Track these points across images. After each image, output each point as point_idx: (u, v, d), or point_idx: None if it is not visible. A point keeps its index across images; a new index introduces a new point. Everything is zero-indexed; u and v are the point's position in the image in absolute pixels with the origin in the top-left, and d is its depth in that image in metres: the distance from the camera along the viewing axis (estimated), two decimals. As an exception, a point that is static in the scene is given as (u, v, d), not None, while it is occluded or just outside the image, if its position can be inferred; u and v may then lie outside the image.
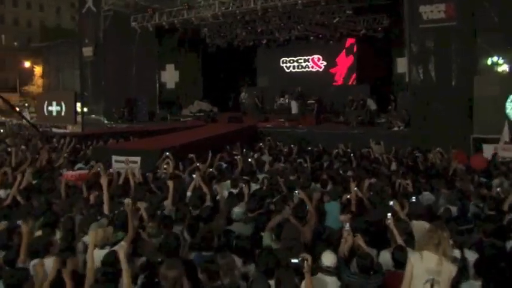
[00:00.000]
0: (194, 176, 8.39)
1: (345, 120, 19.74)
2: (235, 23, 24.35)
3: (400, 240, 5.09)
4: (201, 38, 27.56)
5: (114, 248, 4.48)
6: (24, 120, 32.23)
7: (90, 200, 6.93)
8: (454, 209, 6.84)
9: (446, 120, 15.49)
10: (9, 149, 13.91)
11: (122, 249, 4.18)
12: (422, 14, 15.76)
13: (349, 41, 25.38)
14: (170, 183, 7.27)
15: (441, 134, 15.30)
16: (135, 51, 25.10)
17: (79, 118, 26.71)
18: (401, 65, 20.79)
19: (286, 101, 24.44)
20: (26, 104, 52.25)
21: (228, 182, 9.13)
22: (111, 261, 4.24)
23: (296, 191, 6.97)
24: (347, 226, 5.17)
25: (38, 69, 53.51)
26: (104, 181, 6.88)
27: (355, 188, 7.06)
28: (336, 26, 22.99)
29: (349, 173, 10.39)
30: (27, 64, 56.29)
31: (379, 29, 22.52)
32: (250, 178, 9.95)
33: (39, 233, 5.34)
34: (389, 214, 5.37)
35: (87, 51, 25.40)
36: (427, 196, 7.87)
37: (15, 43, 63.90)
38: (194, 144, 13.90)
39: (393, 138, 16.27)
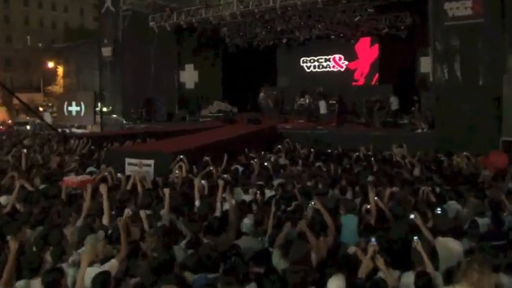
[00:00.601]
0: (203, 182, 7.97)
1: (367, 121, 19.09)
2: (255, 22, 23.96)
3: (429, 267, 4.54)
4: (221, 38, 27.21)
5: (104, 268, 4.09)
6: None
7: (84, 210, 6.49)
8: (483, 221, 6.26)
9: (473, 121, 14.83)
10: (24, 151, 13.71)
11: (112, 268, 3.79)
12: (447, 11, 15.13)
13: (371, 40, 24.72)
14: (166, 191, 6.89)
15: (467, 136, 14.66)
16: (153, 51, 24.94)
17: (98, 118, 26.63)
18: (425, 64, 20.08)
19: (307, 101, 23.96)
20: (50, 104, 52.89)
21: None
22: (102, 281, 3.84)
23: (312, 202, 6.43)
24: (373, 241, 4.65)
25: (61, 70, 54.07)
26: (103, 189, 6.52)
27: (375, 198, 6.56)
28: (357, 25, 22.40)
29: (370, 178, 9.90)
30: (50, 65, 56.85)
31: (402, 27, 21.83)
32: (265, 183, 9.58)
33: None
34: (415, 238, 4.84)
35: (106, 51, 25.31)
36: (452, 206, 7.31)
37: (40, 44, 64.59)
38: (211, 147, 13.51)
39: (416, 141, 15.64)
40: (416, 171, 10.82)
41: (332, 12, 20.90)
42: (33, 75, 64.08)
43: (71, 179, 7.45)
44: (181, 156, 10.97)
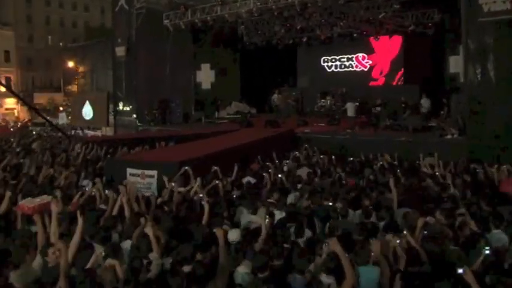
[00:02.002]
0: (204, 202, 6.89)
1: (397, 126, 17.78)
2: (273, 20, 22.89)
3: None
4: (238, 36, 26.20)
5: None
6: (59, 122, 31.96)
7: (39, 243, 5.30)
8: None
9: (510, 127, 13.48)
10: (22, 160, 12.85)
11: None
12: (482, 6, 13.78)
13: (397, 38, 23.37)
14: (149, 229, 5.32)
15: (503, 144, 13.36)
16: (168, 50, 24.03)
17: (112, 120, 25.88)
18: (455, 64, 18.74)
19: (328, 102, 22.83)
20: (69, 104, 52.58)
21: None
22: None
23: (327, 242, 5.16)
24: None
25: (80, 69, 53.84)
26: (54, 209, 5.47)
27: (408, 238, 5.41)
28: (382, 22, 21.11)
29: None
30: (70, 64, 56.65)
31: (430, 24, 20.47)
32: (277, 200, 8.51)
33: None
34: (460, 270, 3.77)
35: (120, 50, 24.61)
36: (497, 236, 6.12)
37: (61, 44, 64.50)
38: (222, 154, 12.48)
39: (445, 148, 14.37)
40: (451, 189, 9.58)
41: (355, 9, 19.68)
42: (54, 75, 64.05)
43: (27, 203, 6.03)
44: (187, 168, 10.00)
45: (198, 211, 7.38)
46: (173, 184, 8.24)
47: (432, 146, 14.59)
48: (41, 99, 59.56)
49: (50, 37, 66.23)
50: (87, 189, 8.23)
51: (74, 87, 55.76)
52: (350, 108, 18.78)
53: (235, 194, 9.51)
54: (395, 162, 12.56)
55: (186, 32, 23.57)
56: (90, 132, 25.47)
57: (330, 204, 7.91)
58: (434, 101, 18.24)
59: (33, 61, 64.45)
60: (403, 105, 18.37)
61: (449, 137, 14.99)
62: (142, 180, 10.56)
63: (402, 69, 23.92)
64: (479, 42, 14.09)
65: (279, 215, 7.56)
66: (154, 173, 10.41)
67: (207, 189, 8.97)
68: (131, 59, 23.90)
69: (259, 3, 18.78)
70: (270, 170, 10.92)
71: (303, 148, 15.36)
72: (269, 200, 8.39)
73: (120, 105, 25.13)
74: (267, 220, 6.59)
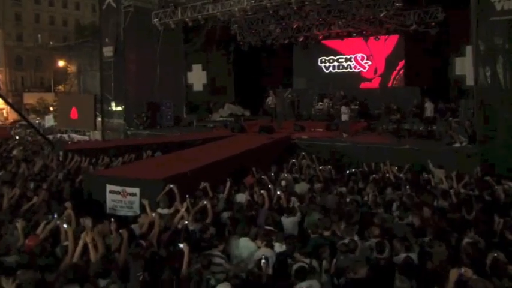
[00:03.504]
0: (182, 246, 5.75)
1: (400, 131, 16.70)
2: (268, 19, 21.83)
3: None
4: (232, 36, 25.04)
5: None
6: (46, 124, 30.74)
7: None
8: None
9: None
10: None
11: None
12: (495, 4, 12.72)
13: (398, 37, 22.27)
14: None
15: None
16: (158, 50, 22.91)
17: (99, 123, 24.70)
18: (461, 66, 17.68)
19: (326, 105, 21.74)
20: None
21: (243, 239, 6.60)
22: None
23: None
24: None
25: (71, 69, 52.55)
26: None
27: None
28: (382, 21, 20.02)
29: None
30: (61, 63, 55.27)
31: (433, 23, 19.36)
32: (274, 226, 7.47)
33: None
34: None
35: (108, 51, 23.49)
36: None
37: (51, 42, 63.06)
38: (214, 167, 11.37)
39: (453, 157, 13.35)
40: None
41: (355, 7, 18.59)
42: (45, 74, 62.73)
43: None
44: (172, 186, 8.89)
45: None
46: (153, 215, 7.05)
47: (439, 155, 13.61)
48: (30, 99, 58.34)
49: (39, 36, 64.79)
50: (55, 216, 7.06)
51: (64, 87, 54.49)
52: (344, 112, 17.63)
53: (227, 215, 8.45)
54: (401, 175, 11.45)
55: (176, 32, 22.55)
56: (76, 136, 24.26)
57: (335, 235, 6.91)
58: (440, 106, 17.18)
59: (23, 60, 63.18)
60: (413, 109, 17.27)
61: (457, 145, 13.92)
62: (123, 198, 9.46)
63: (397, 69, 22.87)
64: (491, 43, 13.02)
65: (278, 247, 6.51)
66: (137, 190, 9.30)
67: (194, 211, 7.88)
68: (119, 59, 22.79)
69: (253, 1, 17.70)
70: (268, 186, 9.85)
71: (300, 157, 14.27)
72: (267, 227, 7.33)
73: (110, 107, 23.93)
74: (263, 261, 5.54)
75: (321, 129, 18.67)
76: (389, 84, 23.36)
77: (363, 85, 23.88)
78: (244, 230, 6.96)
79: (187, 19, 19.99)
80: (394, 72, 23.13)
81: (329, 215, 7.86)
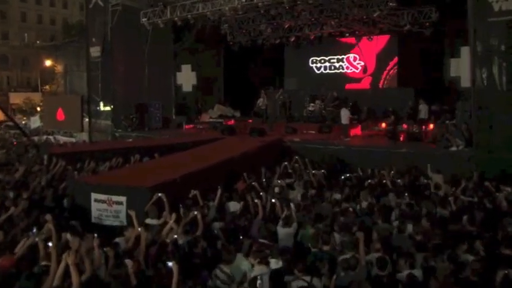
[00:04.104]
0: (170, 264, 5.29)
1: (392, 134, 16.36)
2: (259, 18, 21.33)
3: None
4: (221, 36, 24.53)
5: None
6: (32, 125, 30.07)
7: None
8: None
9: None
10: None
11: None
12: (492, 5, 12.45)
13: (391, 38, 21.90)
14: None
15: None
16: (147, 50, 22.43)
17: (87, 125, 24.11)
18: (456, 67, 17.38)
19: (318, 107, 21.36)
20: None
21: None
22: None
23: None
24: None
25: (58, 69, 51.70)
26: None
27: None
28: (375, 21, 19.65)
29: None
30: (48, 63, 54.38)
31: (427, 24, 19.00)
32: (269, 239, 7.06)
33: None
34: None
35: (95, 51, 22.95)
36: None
37: (38, 41, 62.08)
38: (204, 173, 10.94)
39: (450, 161, 13.03)
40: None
41: (348, 6, 18.18)
42: (32, 74, 61.75)
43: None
44: (160, 195, 8.45)
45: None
46: (140, 229, 6.57)
47: (435, 158, 13.30)
48: (17, 99, 57.32)
49: (26, 34, 63.82)
50: (34, 230, 6.57)
51: (52, 87, 53.59)
52: (344, 114, 17.29)
53: (219, 226, 8.03)
54: (398, 181, 11.08)
55: (165, 31, 21.97)
56: (62, 138, 23.66)
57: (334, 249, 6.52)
58: (434, 107, 16.88)
59: (9, 59, 62.19)
60: (408, 111, 16.96)
61: (454, 149, 13.59)
62: (109, 207, 9.00)
63: (388, 69, 22.52)
64: (489, 45, 12.74)
65: (274, 264, 6.09)
66: (123, 199, 8.85)
67: (184, 223, 7.45)
68: (107, 59, 22.25)
69: (244, 1, 17.21)
70: (261, 194, 9.44)
71: (293, 161, 13.85)
72: (261, 241, 6.92)
73: (98, 107, 23.35)
74: (259, 282, 5.12)
75: (313, 132, 18.28)
76: (381, 85, 22.99)
77: (355, 86, 23.47)
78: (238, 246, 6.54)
79: (176, 18, 19.48)
80: (385, 73, 22.75)
81: (326, 227, 7.47)
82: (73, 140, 23.33)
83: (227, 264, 5.96)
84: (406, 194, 9.51)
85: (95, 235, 6.03)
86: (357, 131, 18.05)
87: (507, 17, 12.34)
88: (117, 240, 6.75)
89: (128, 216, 8.17)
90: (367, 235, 7.09)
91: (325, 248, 6.60)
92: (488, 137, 12.95)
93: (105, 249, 5.75)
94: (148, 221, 8.00)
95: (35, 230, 6.47)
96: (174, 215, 7.30)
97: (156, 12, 20.10)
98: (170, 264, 5.19)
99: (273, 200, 8.79)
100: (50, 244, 5.65)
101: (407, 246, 6.50)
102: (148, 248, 6.50)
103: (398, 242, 6.83)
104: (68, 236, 6.19)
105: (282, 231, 7.76)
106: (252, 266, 6.00)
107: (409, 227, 7.48)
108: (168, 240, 6.68)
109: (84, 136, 24.11)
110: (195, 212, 7.68)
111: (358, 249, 6.18)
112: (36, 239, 5.96)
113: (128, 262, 5.24)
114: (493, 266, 5.81)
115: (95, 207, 9.11)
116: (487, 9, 12.57)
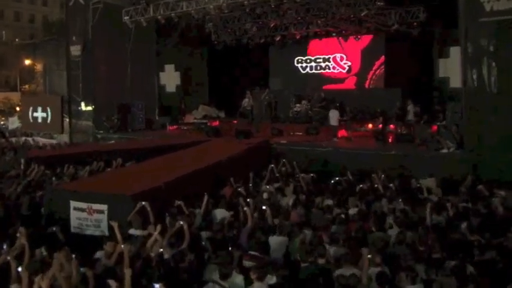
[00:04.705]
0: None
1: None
2: (244, 17, 20.94)
3: None
4: (206, 35, 24.05)
5: None
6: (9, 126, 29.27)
7: None
8: None
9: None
10: None
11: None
12: (484, 4, 12.20)
13: (378, 37, 21.62)
14: None
15: (508, 159, 11.79)
16: (129, 49, 21.85)
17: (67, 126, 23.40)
18: (444, 67, 17.18)
19: (304, 107, 21.05)
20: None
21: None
22: None
23: None
24: None
25: (38, 68, 50.59)
26: None
27: None
28: (362, 20, 19.38)
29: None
30: (27, 62, 53.22)
31: (415, 23, 18.77)
32: (261, 251, 6.66)
33: None
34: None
35: (75, 49, 22.26)
36: None
37: (17, 39, 60.77)
38: (190, 178, 10.51)
39: (441, 163, 12.76)
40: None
41: (335, 5, 17.86)
42: (11, 73, 60.41)
43: None
44: (144, 204, 8.00)
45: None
46: (122, 246, 6.10)
47: (425, 161, 13.05)
48: (-5, 98, 56.00)
49: (4, 32, 62.41)
50: (4, 247, 6.05)
51: (31, 87, 52.44)
52: (333, 115, 17.00)
53: (206, 235, 7.61)
54: (391, 185, 10.74)
55: (148, 30, 21.40)
56: (42, 140, 22.94)
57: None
58: (424, 109, 16.68)
59: (-14, 58, 60.76)
60: (397, 112, 16.70)
61: (445, 151, 13.34)
62: (89, 216, 8.52)
63: (374, 69, 22.28)
64: (480, 45, 12.50)
65: (269, 279, 5.69)
66: (104, 207, 8.38)
67: (169, 234, 7.02)
68: (88, 58, 21.61)
69: (229, -1, 16.80)
70: (248, 200, 9.04)
71: (280, 164, 13.48)
72: (252, 253, 6.52)
73: (79, 106, 22.68)
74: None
75: (300, 133, 17.93)
76: (367, 85, 22.73)
77: (341, 86, 23.18)
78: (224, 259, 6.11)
79: (159, 17, 18.96)
80: (371, 72, 22.49)
81: (319, 237, 7.09)
82: (53, 141, 22.61)
83: (224, 279, 5.54)
84: (400, 200, 9.18)
85: (74, 256, 5.53)
86: (342, 132, 17.70)
87: (498, 17, 12.10)
88: (97, 255, 6.28)
89: (110, 225, 7.73)
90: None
91: (320, 261, 6.20)
92: (479, 138, 12.75)
93: (82, 269, 5.26)
94: (131, 231, 7.56)
95: (5, 247, 5.95)
96: (159, 226, 6.86)
97: (138, 10, 19.56)
98: (157, 286, 4.75)
99: (264, 207, 8.38)
100: (20, 269, 5.11)
101: (407, 257, 6.13)
102: (131, 261, 6.07)
103: (396, 253, 6.47)
104: (43, 251, 5.70)
105: (274, 240, 7.37)
106: (247, 280, 5.60)
107: (407, 236, 7.17)
108: (152, 254, 6.24)
109: (64, 138, 23.43)
110: (181, 222, 7.24)
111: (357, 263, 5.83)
112: (8, 258, 5.45)
113: (111, 283, 4.79)
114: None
115: (74, 216, 8.63)
116: (478, 9, 12.32)
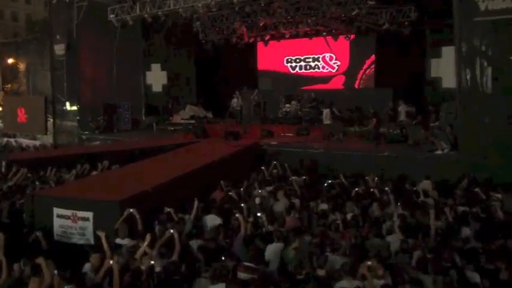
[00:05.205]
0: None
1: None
2: (233, 16, 20.58)
3: None
4: (194, 33, 23.63)
5: None
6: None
7: None
8: None
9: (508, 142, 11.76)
10: None
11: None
12: (478, 4, 11.99)
13: (369, 37, 21.27)
14: None
15: (503, 161, 11.60)
16: (115, 48, 21.35)
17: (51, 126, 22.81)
18: (436, 67, 16.97)
19: (294, 107, 20.74)
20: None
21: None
22: None
23: None
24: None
25: (21, 67, 49.58)
26: None
27: None
28: (352, 20, 19.12)
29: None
30: (10, 61, 52.13)
31: (406, 23, 18.55)
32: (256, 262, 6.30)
33: None
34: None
35: (59, 48, 21.70)
36: None
37: (-1, 38, 59.64)
38: (179, 182, 10.11)
39: (435, 165, 12.53)
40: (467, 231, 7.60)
41: (325, 4, 17.56)
42: (-7, 72, 59.17)
43: None
44: (131, 211, 7.60)
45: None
46: (111, 262, 5.68)
47: (420, 163, 12.80)
48: (-25, 99, 54.89)
49: (-15, 30, 61.23)
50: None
51: (14, 86, 51.41)
52: (326, 115, 16.78)
53: (196, 244, 7.24)
54: (386, 189, 10.43)
55: (134, 29, 20.99)
56: (25, 141, 22.37)
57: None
58: (409, 108, 16.45)
59: (-34, 56, 59.44)
60: (389, 112, 16.45)
61: (439, 152, 13.10)
62: (73, 223, 8.09)
63: (364, 68, 22.03)
64: (474, 45, 12.28)
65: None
66: (90, 215, 7.95)
67: (159, 244, 6.63)
68: (72, 58, 21.07)
69: (218, -3, 16.42)
70: (242, 205, 8.68)
71: (271, 166, 13.15)
72: (247, 264, 6.15)
73: (64, 106, 22.12)
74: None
75: (290, 134, 17.59)
76: (356, 85, 22.48)
77: (331, 86, 22.91)
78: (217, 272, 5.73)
79: (146, 15, 18.50)
80: (361, 72, 22.24)
81: (317, 246, 6.76)
82: (36, 142, 22.04)
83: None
84: (399, 204, 8.88)
85: (56, 272, 5.12)
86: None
87: (493, 16, 11.90)
88: (85, 268, 5.88)
89: (96, 235, 7.33)
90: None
91: (320, 273, 5.86)
92: (474, 140, 12.54)
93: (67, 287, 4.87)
94: (118, 241, 7.16)
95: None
96: (148, 236, 6.46)
97: (124, 9, 19.06)
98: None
99: (259, 214, 8.01)
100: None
101: (410, 272, 5.81)
102: (120, 274, 5.69)
103: (401, 264, 6.15)
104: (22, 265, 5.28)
105: (270, 248, 7.03)
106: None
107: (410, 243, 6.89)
108: (143, 267, 5.85)
109: (48, 139, 22.86)
110: (171, 231, 6.86)
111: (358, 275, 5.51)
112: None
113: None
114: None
115: (57, 223, 8.18)
116: (473, 8, 12.11)
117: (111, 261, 5.63)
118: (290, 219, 8.30)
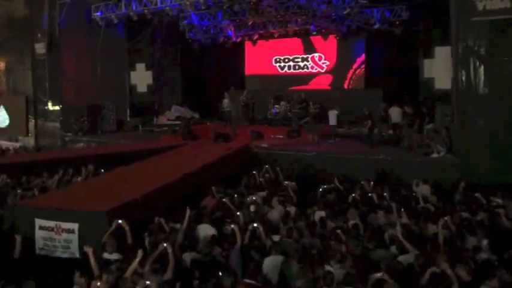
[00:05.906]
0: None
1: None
2: (221, 15, 20.08)
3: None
4: (180, 33, 23.11)
5: None
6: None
7: None
8: None
9: (507, 144, 11.52)
10: None
11: None
12: (476, 4, 11.74)
13: (359, 37, 20.97)
14: None
15: (501, 164, 11.39)
16: (99, 48, 20.70)
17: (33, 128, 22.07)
18: (429, 68, 16.72)
19: (283, 108, 20.37)
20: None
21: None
22: None
23: None
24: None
25: (0, 66, 48.46)
26: None
27: None
28: (343, 19, 18.78)
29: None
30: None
31: (397, 22, 18.27)
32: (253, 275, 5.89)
33: None
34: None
35: (40, 47, 20.97)
36: None
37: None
38: (169, 189, 9.64)
39: (431, 169, 12.23)
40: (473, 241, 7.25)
41: (316, 3, 17.16)
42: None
43: None
44: (120, 222, 7.12)
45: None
46: (98, 284, 5.19)
47: (415, 166, 12.50)
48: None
49: (-37, 29, 59.83)
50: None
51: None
52: (332, 116, 16.54)
53: (189, 258, 6.79)
54: (385, 194, 10.05)
55: (119, 27, 20.39)
56: (5, 143, 21.60)
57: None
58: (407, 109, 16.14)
59: None
60: (382, 114, 16.12)
61: (435, 155, 12.79)
62: (57, 236, 7.57)
63: (354, 67, 21.71)
64: (472, 45, 12.01)
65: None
66: (75, 226, 7.44)
67: (151, 260, 6.16)
68: (54, 57, 20.35)
69: (206, -5, 15.93)
70: (238, 213, 8.24)
71: (263, 170, 12.71)
72: (248, 281, 5.72)
73: (46, 106, 21.38)
74: None
75: (281, 136, 17.16)
76: (346, 85, 22.14)
77: (320, 86, 22.54)
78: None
79: (131, 13, 18.01)
80: (351, 71, 21.91)
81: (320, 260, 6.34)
82: (17, 144, 21.29)
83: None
84: (403, 211, 8.49)
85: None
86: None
87: (491, 16, 11.65)
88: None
89: (81, 249, 6.84)
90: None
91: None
92: (470, 142, 12.29)
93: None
94: (106, 255, 6.67)
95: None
96: (140, 253, 5.97)
97: (109, 7, 18.52)
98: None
99: (255, 225, 7.56)
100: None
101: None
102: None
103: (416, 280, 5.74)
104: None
105: (268, 261, 6.60)
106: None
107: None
108: (136, 288, 5.37)
109: (30, 140, 22.12)
110: (164, 245, 6.39)
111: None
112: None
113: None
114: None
115: (39, 235, 7.65)
116: (470, 8, 11.86)
117: (98, 283, 5.12)
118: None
